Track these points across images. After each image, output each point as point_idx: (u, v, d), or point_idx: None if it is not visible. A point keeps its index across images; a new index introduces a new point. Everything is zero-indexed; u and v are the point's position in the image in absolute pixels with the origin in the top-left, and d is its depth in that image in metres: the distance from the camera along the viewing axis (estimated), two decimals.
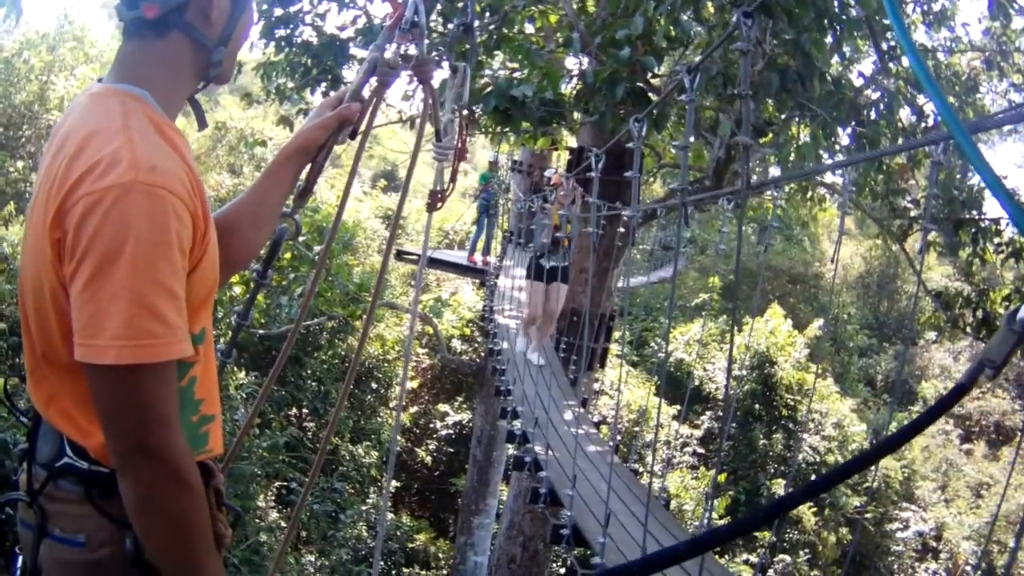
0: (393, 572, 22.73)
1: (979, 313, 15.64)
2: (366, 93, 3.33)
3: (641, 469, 13.38)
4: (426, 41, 3.45)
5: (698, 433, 30.13)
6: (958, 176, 15.19)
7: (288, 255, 16.97)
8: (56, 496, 2.51)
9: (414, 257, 24.59)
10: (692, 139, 14.15)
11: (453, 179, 3.96)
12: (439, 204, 3.99)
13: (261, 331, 18.43)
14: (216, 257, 2.57)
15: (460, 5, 13.43)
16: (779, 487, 28.07)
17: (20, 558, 2.65)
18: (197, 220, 2.38)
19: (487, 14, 14.21)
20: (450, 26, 14.38)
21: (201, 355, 2.56)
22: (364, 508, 22.67)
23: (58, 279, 2.29)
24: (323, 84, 15.19)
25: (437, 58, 11.29)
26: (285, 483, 19.85)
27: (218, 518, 2.67)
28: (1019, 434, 40.41)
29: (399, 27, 3.40)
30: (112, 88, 2.49)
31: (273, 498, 19.53)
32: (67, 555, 2.48)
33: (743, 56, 4.19)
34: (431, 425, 29.05)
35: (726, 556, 24.96)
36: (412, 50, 3.50)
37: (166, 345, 2.25)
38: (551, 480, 8.74)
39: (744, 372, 28.83)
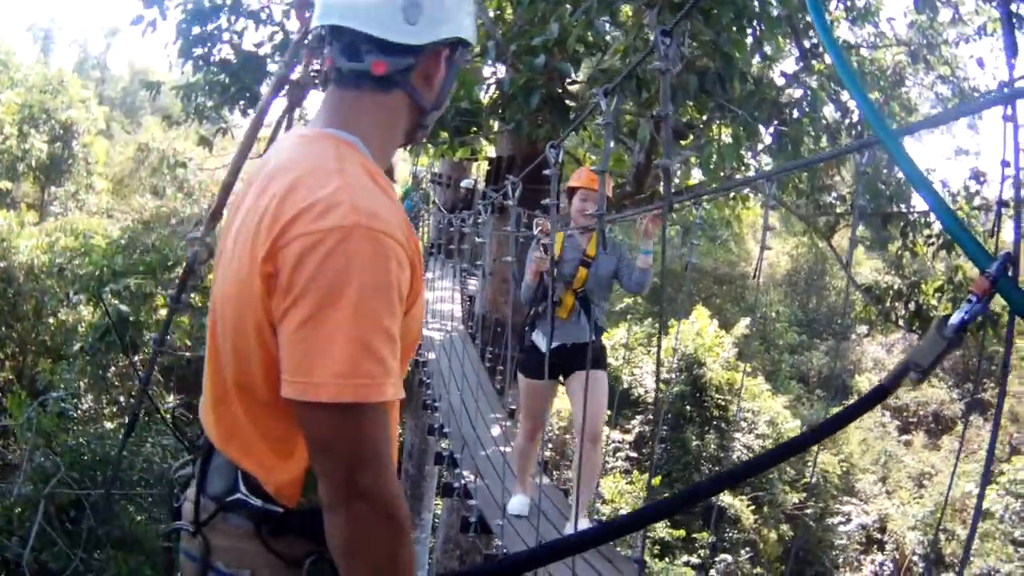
0: None
1: (911, 306, 15.75)
2: (274, 109, 3.29)
3: (570, 476, 13.14)
4: None
5: (629, 438, 30.19)
6: (884, 170, 15.29)
7: (211, 276, 16.86)
8: (223, 529, 2.52)
9: None
10: (612, 144, 14.15)
11: None
12: None
13: (188, 354, 18.29)
14: (424, 306, 2.60)
15: None
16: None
17: None
18: (415, 268, 2.39)
19: None
20: None
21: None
22: None
23: (265, 315, 2.29)
24: (242, 102, 15.11)
25: None
26: None
27: None
28: (960, 423, 40.93)
29: (306, 42, 3.35)
30: (324, 132, 2.51)
31: None
32: None
33: (662, 75, 4.13)
34: None
35: (666, 559, 25.02)
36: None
37: (382, 386, 2.23)
38: (480, 508, 8.61)
39: (673, 375, 28.93)
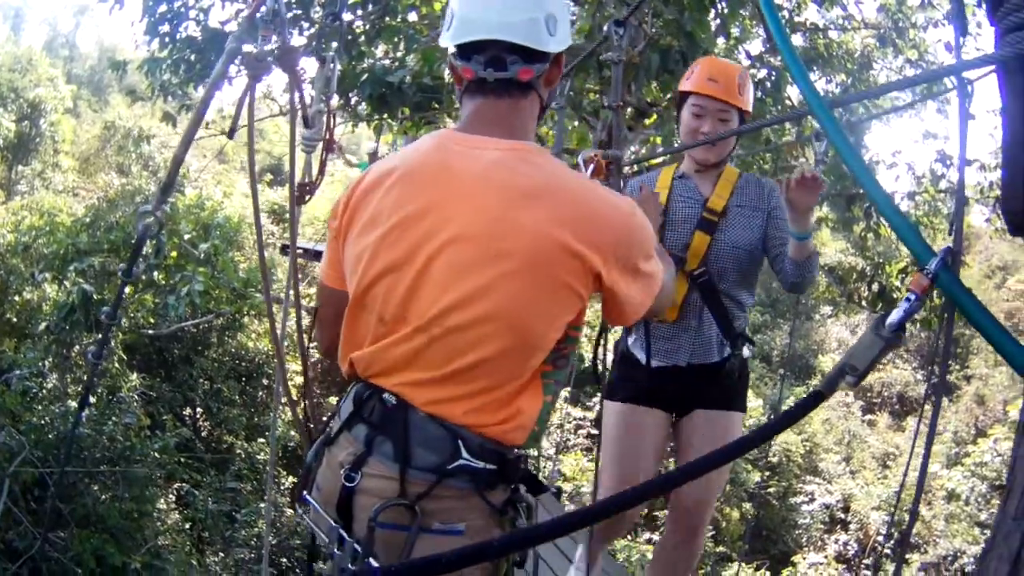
0: (297, 570, 22.49)
1: (874, 286, 15.81)
2: (238, 87, 3.34)
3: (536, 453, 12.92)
4: (308, 33, 3.42)
5: (591, 415, 30.13)
6: None
7: (174, 254, 16.74)
8: (440, 495, 2.92)
9: (299, 251, 24.40)
10: (577, 124, 14.18)
11: (322, 171, 3.99)
12: (308, 196, 4.01)
13: (151, 331, 18.17)
14: None
15: None
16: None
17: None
18: None
19: (369, 5, 14.13)
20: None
21: None
22: (262, 506, 22.44)
23: (580, 293, 2.97)
24: (206, 79, 15.02)
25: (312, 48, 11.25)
26: (184, 484, 19.57)
27: None
28: (923, 404, 40.96)
29: (260, 17, 3.36)
30: (526, 145, 3.06)
31: (174, 499, 19.28)
32: (445, 544, 2.79)
33: (615, 66, 4.18)
34: (324, 418, 28.58)
35: (628, 536, 25.05)
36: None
37: None
38: None
39: None
